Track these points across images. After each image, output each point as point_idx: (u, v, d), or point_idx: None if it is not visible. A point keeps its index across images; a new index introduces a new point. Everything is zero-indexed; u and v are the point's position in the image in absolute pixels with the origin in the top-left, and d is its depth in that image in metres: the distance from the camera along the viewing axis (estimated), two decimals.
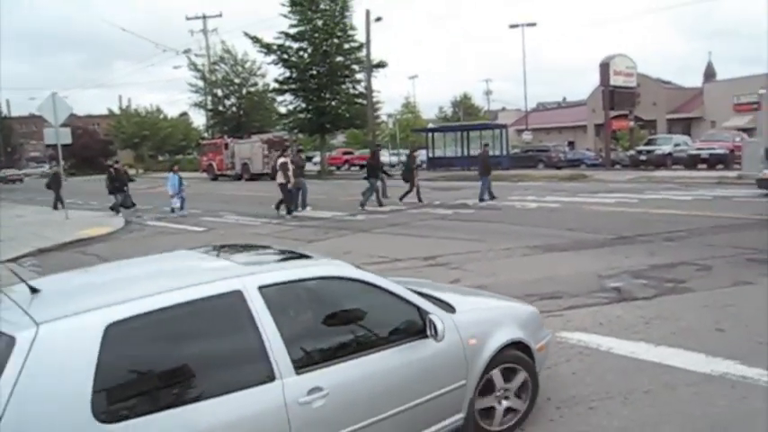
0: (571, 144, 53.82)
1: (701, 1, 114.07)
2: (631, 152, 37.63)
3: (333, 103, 44.20)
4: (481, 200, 20.92)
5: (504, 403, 4.49)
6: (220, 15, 56.44)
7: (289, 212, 19.37)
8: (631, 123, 42.14)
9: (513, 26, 50.62)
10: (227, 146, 45.69)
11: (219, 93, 52.71)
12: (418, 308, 4.05)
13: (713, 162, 31.08)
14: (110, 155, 73.43)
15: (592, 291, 8.31)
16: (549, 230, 13.96)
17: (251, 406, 3.21)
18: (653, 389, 5.12)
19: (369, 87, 42.02)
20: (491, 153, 31.97)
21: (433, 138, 45.53)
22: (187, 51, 52.74)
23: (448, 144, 44.78)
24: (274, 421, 3.27)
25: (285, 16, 43.30)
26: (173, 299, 3.22)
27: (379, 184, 21.56)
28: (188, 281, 3.45)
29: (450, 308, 4.38)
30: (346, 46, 43.87)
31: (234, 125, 51.53)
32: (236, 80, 52.32)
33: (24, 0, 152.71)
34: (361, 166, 25.46)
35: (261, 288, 3.47)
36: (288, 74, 44.90)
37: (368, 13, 40.01)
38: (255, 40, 44.03)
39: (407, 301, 4.05)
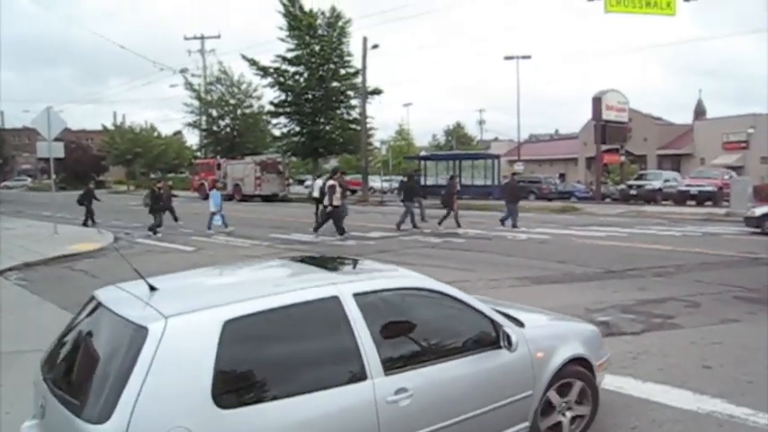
0: (562, 176, 54.14)
1: (692, 40, 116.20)
2: (622, 186, 37.96)
3: (327, 127, 44.35)
4: (514, 226, 21.40)
5: (569, 414, 4.76)
6: (218, 37, 56.62)
7: (341, 233, 19.41)
8: (622, 158, 42.57)
9: (507, 58, 51.11)
10: (219, 166, 45.67)
11: (214, 113, 52.74)
12: (492, 320, 4.35)
13: (702, 199, 31.39)
14: (102, 170, 73.36)
15: None
16: (539, 262, 13.99)
17: (345, 402, 3.53)
18: (639, 425, 5.12)
19: (363, 113, 42.22)
20: (482, 183, 32.15)
21: (425, 165, 45.69)
22: (184, 71, 52.82)
23: (440, 172, 44.97)
24: (365, 417, 3.58)
25: (283, 40, 43.64)
26: (280, 301, 3.60)
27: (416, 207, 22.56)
28: (292, 286, 3.88)
29: (519, 323, 4.64)
30: (342, 72, 44.13)
31: (227, 146, 51.51)
32: (232, 101, 52.42)
33: (21, 12, 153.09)
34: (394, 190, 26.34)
35: (355, 295, 3.81)
36: (283, 97, 45.09)
37: (365, 40, 40.33)
38: (252, 62, 44.28)
39: (482, 314, 4.36)
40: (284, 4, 42.88)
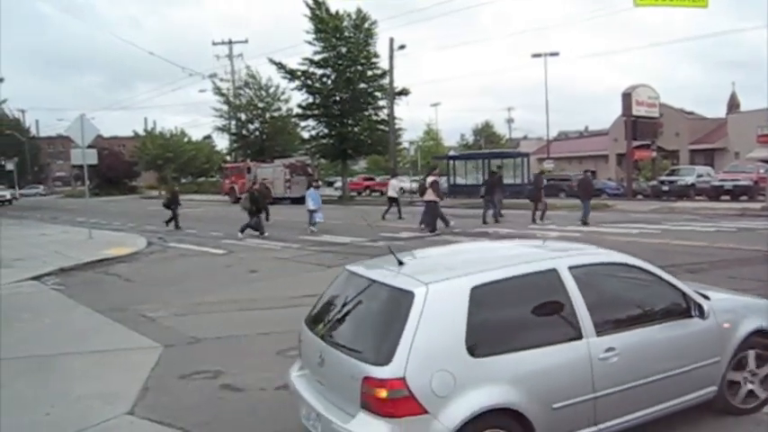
0: (592, 173, 53.53)
1: (724, 32, 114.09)
2: (653, 183, 37.39)
3: (355, 129, 44.44)
4: (585, 223, 21.79)
5: (749, 386, 5.23)
6: (246, 41, 56.94)
7: (446, 224, 20.90)
8: (653, 153, 41.93)
9: (535, 55, 50.80)
10: (249, 169, 46.01)
11: (243, 117, 53.10)
12: (683, 292, 4.99)
13: (737, 193, 30.84)
14: (134, 176, 74.41)
15: None
16: None
17: (566, 356, 4.27)
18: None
19: (391, 114, 42.26)
20: (512, 181, 31.91)
21: (454, 165, 45.58)
22: (213, 76, 53.42)
23: (469, 171, 44.80)
24: (582, 370, 4.30)
25: (310, 43, 43.80)
26: (512, 272, 4.42)
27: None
28: (519, 260, 4.67)
29: (704, 297, 5.14)
30: (369, 73, 44.16)
31: (257, 149, 51.84)
32: (260, 105, 52.72)
33: (50, 21, 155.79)
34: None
35: (570, 268, 4.58)
36: (311, 99, 45.28)
37: (391, 41, 40.42)
38: (280, 66, 44.54)
39: (675, 287, 5.00)
40: (311, 8, 43.06)
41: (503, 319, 4.29)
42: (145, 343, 8.21)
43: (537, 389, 4.11)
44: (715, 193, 31.73)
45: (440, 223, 21.04)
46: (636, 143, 39.35)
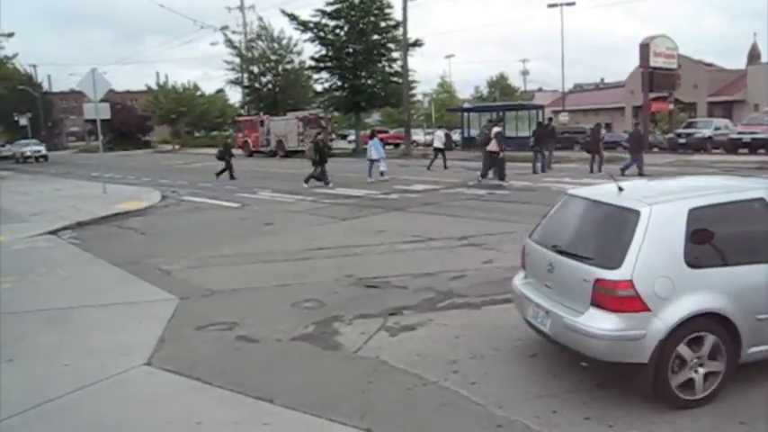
0: (608, 126, 52.89)
1: None
2: (670, 135, 36.87)
3: (368, 81, 43.97)
4: (641, 174, 21.42)
5: None
6: None
7: (501, 178, 20.79)
8: (671, 106, 41.25)
9: (551, 5, 49.63)
10: (262, 123, 45.82)
11: (255, 70, 52.66)
12: None
13: (755, 146, 30.30)
14: (147, 130, 74.36)
15: None
16: None
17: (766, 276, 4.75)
18: None
19: (405, 66, 41.69)
20: (527, 134, 31.67)
21: (468, 117, 45.16)
22: (224, 28, 52.74)
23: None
24: None
25: None
26: (725, 198, 5.05)
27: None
28: (729, 189, 5.37)
29: None
30: (383, 24, 43.50)
31: (270, 102, 51.42)
32: (273, 57, 52.18)
33: None
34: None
35: None
36: (324, 52, 44.74)
37: None
38: (292, 17, 44.00)
39: None
40: None
41: (698, 238, 4.68)
42: (161, 295, 8.25)
43: (744, 300, 4.67)
44: (733, 147, 31.23)
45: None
46: (653, 95, 38.73)
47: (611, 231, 4.91)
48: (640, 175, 21.11)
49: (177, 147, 65.66)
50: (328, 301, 7.64)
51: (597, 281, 4.61)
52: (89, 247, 12.01)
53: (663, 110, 41.83)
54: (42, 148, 54.86)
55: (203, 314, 7.35)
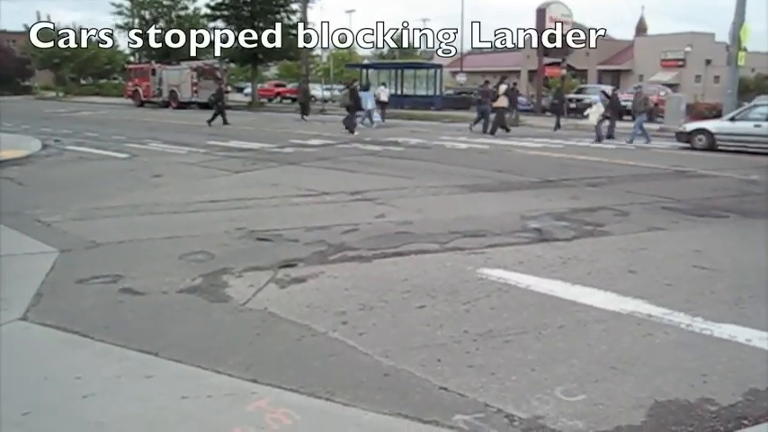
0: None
1: None
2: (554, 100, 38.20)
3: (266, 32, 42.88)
4: (610, 136, 22.51)
5: None
6: None
7: (506, 130, 23.33)
8: (563, 71, 42.63)
9: None
10: (154, 72, 43.99)
11: (147, 15, 50.39)
12: None
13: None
14: (27, 75, 69.70)
15: (514, 230, 8.49)
16: (478, 171, 14.14)
17: None
18: (566, 325, 5.30)
19: (304, 18, 40.97)
20: (424, 93, 31.79)
21: (367, 74, 45.07)
22: None
23: (382, 81, 44.45)
24: None
25: None
26: None
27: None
28: None
29: None
30: None
31: (163, 51, 49.46)
32: (166, 2, 50.08)
33: None
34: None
35: None
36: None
37: None
38: None
39: None
40: None
41: None
42: (39, 248, 7.84)
43: None
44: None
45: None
46: (547, 60, 39.86)
47: None
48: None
49: (62, 94, 61.98)
50: (218, 253, 7.50)
51: None
52: None
53: (556, 75, 43.21)
54: None
55: (86, 267, 7.06)
